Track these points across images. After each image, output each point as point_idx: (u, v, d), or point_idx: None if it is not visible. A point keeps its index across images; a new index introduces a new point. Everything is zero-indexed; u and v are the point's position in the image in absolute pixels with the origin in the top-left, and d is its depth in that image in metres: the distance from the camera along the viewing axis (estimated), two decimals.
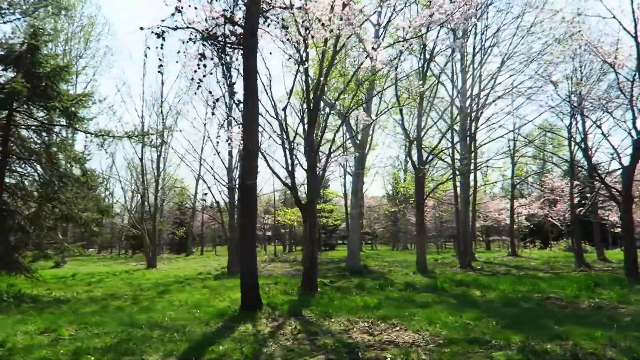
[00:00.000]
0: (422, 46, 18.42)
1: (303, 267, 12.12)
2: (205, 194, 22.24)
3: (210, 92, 9.02)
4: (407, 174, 37.99)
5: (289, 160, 12.36)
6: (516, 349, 5.24)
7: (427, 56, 18.87)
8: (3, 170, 11.92)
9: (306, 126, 12.39)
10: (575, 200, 37.47)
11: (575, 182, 38.56)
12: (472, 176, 22.99)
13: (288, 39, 9.55)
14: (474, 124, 22.10)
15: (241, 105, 8.61)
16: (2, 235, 11.83)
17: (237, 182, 21.68)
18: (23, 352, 5.67)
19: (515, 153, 28.61)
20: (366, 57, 11.43)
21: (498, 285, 12.43)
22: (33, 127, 12.76)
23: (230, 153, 21.71)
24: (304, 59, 11.92)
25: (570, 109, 18.75)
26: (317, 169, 12.43)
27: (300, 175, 42.85)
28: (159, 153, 25.14)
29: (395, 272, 18.73)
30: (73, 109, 12.10)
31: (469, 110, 21.55)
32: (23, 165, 12.83)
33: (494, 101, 20.54)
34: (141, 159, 24.83)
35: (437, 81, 20.89)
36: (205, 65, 8.15)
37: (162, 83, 24.69)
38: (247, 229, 8.41)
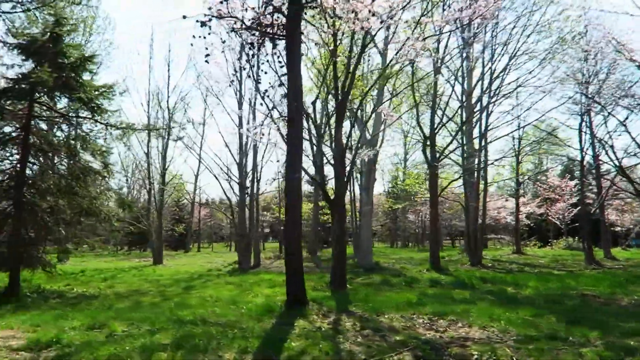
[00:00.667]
0: (437, 43, 18.39)
1: (332, 263, 11.96)
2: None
3: (256, 81, 8.74)
4: (410, 172, 37.91)
5: (317, 156, 12.19)
6: (602, 346, 5.15)
7: (442, 54, 18.82)
8: (24, 163, 11.58)
9: (333, 121, 12.25)
10: (575, 199, 37.92)
11: (575, 181, 39.01)
12: (482, 173, 22.92)
13: (329, 31, 9.35)
14: (484, 121, 22.10)
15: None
16: (23, 230, 11.51)
17: (248, 177, 21.46)
18: (87, 348, 5.44)
19: (520, 151, 28.74)
20: (396, 54, 11.35)
21: (526, 282, 12.39)
22: (53, 119, 12.41)
23: (241, 148, 21.46)
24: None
25: (584, 105, 18.92)
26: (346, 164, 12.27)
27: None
28: (165, 147, 24.78)
29: (409, 269, 18.60)
30: (97, 100, 11.80)
31: (476, 109, 21.57)
32: (42, 158, 12.50)
33: (506, 95, 20.52)
34: (147, 154, 24.43)
35: (447, 82, 20.94)
36: (254, 55, 7.95)
37: (169, 77, 24.31)
38: (293, 223, 8.22)
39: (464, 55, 20.83)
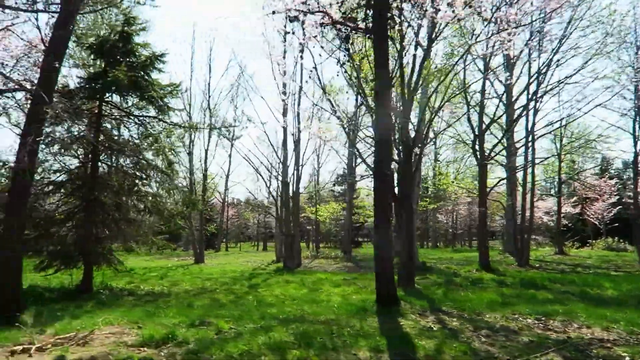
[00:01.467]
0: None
1: (400, 262, 11.77)
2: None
3: (353, 78, 8.62)
4: (447, 172, 37.28)
5: None
6: None
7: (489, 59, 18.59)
8: (95, 162, 11.71)
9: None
10: (614, 199, 36.88)
11: (615, 180, 37.92)
12: (529, 171, 22.44)
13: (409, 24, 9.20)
14: (531, 119, 21.64)
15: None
16: (94, 228, 11.63)
17: (293, 176, 21.41)
18: (212, 345, 5.39)
19: (562, 150, 28.05)
20: (469, 47, 11.15)
21: (597, 283, 12.02)
22: (120, 118, 12.50)
23: (284, 146, 21.43)
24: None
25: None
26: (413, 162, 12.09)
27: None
28: (206, 148, 24.95)
29: (457, 269, 18.24)
30: (165, 99, 11.86)
31: (517, 107, 21.21)
32: (109, 157, 12.62)
33: (558, 89, 20.11)
34: (189, 153, 24.62)
35: (491, 84, 20.63)
36: (347, 49, 7.84)
37: (210, 77, 24.47)
38: (383, 223, 8.08)
39: (506, 53, 20.47)
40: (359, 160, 35.04)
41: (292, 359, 4.87)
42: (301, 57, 10.28)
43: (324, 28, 8.33)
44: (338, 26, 8.31)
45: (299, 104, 20.42)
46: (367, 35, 7.97)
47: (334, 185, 46.42)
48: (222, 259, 29.11)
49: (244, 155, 26.44)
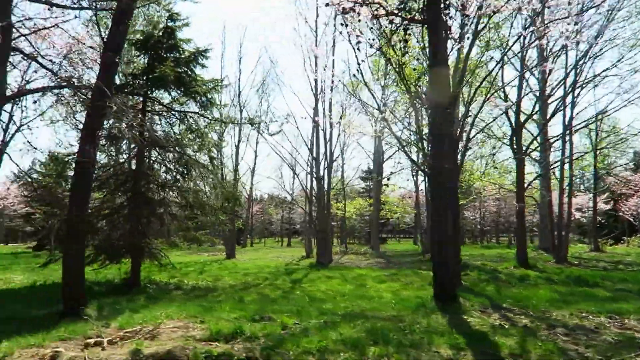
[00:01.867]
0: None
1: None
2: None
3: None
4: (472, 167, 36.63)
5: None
6: None
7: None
8: (142, 157, 11.81)
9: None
10: None
11: None
12: (566, 166, 21.89)
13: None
14: (568, 113, 21.07)
15: None
16: (140, 222, 11.73)
17: (325, 171, 21.32)
18: (287, 340, 5.33)
19: (598, 144, 27.25)
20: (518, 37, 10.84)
21: None
22: (162, 114, 12.58)
23: (316, 142, 21.33)
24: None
25: None
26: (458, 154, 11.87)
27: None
28: (237, 144, 25.01)
29: (494, 266, 17.86)
30: (209, 95, 11.88)
31: (551, 101, 20.68)
32: (152, 152, 12.70)
33: (597, 81, 19.50)
34: (220, 148, 24.72)
35: (526, 81, 20.12)
36: (406, 41, 7.68)
37: (240, 72, 24.49)
38: (441, 218, 7.92)
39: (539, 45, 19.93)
40: (386, 156, 34.86)
41: (372, 355, 4.77)
42: (354, 48, 10.14)
43: (378, 20, 8.18)
44: (391, 17, 8.13)
45: (330, 99, 20.29)
46: (424, 26, 7.79)
47: (364, 181, 46.21)
48: (252, 254, 29.22)
49: (276, 151, 26.49)
